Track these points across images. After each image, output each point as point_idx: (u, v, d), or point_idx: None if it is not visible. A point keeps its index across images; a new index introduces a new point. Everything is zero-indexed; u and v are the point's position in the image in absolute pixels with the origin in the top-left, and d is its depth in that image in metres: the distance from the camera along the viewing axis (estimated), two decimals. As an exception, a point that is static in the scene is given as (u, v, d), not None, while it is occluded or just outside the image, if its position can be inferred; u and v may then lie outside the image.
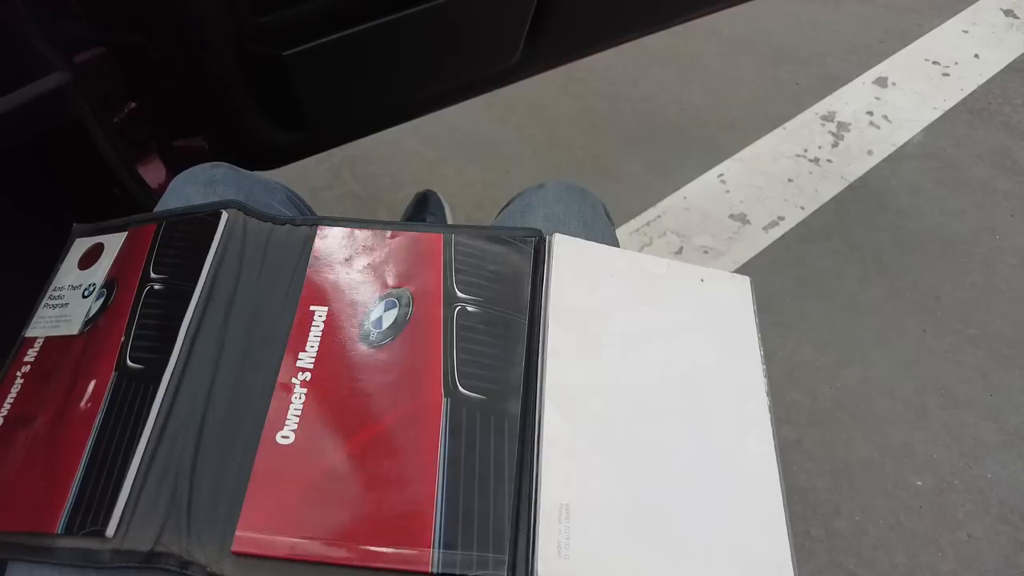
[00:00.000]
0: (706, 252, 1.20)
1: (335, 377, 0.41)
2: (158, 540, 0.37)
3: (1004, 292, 1.16)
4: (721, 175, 1.33)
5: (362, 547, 0.35)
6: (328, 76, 0.68)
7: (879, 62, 1.58)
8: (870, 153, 1.38)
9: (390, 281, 0.46)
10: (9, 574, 0.38)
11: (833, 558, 0.89)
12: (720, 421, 0.41)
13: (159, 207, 0.54)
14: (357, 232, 0.48)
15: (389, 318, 0.44)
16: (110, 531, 0.36)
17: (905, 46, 1.62)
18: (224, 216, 0.48)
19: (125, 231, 0.50)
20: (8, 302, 0.50)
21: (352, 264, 0.47)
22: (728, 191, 1.30)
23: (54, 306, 0.48)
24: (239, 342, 0.44)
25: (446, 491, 0.37)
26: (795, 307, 1.14)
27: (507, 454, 0.39)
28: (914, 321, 1.12)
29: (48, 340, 0.46)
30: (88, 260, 0.50)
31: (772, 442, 0.40)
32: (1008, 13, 1.71)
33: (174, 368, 0.42)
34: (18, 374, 0.45)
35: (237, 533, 0.36)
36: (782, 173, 1.34)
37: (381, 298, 0.45)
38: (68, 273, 0.50)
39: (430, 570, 0.35)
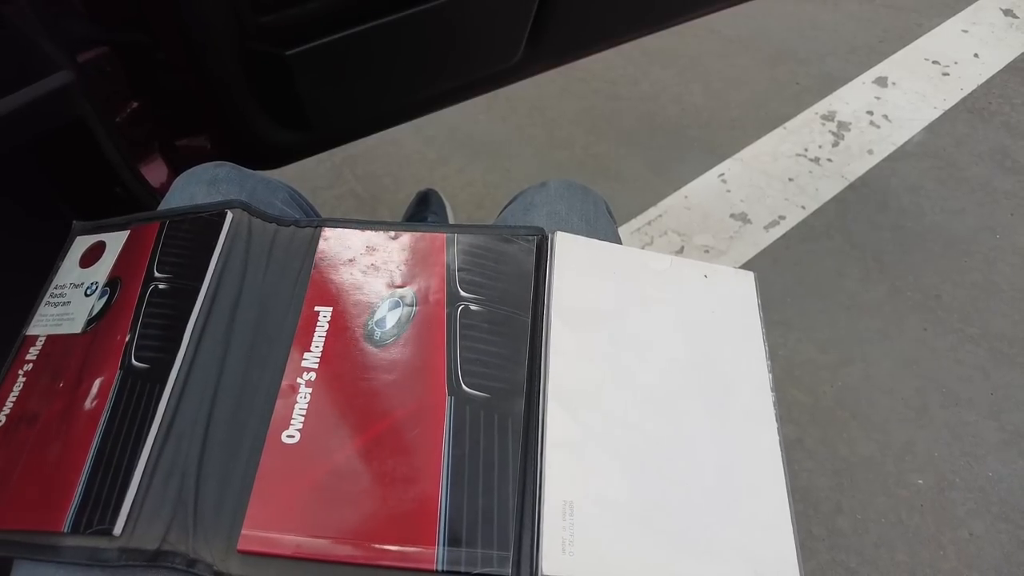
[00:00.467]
0: (707, 251, 1.20)
1: (340, 377, 0.42)
2: (164, 539, 0.37)
3: (1005, 291, 1.16)
4: (722, 174, 1.33)
5: (367, 545, 0.36)
6: (330, 76, 0.68)
7: (879, 62, 1.58)
8: (870, 152, 1.38)
9: (394, 281, 0.46)
10: (14, 573, 0.38)
11: (835, 556, 0.89)
12: (725, 417, 0.41)
13: (162, 206, 0.54)
14: (360, 233, 0.48)
15: (393, 318, 0.44)
16: (117, 530, 0.36)
17: (905, 46, 1.62)
18: (229, 216, 0.48)
19: (127, 230, 0.50)
20: (9, 300, 0.50)
21: (356, 265, 0.47)
22: (729, 190, 1.30)
23: (56, 304, 0.48)
24: (245, 342, 0.44)
25: (450, 489, 0.37)
26: (796, 306, 1.14)
27: (511, 451, 0.39)
28: (915, 320, 1.12)
29: (50, 338, 0.46)
30: (90, 258, 0.50)
31: (777, 438, 0.41)
32: (1007, 13, 1.71)
33: (180, 368, 0.42)
34: (20, 372, 0.45)
35: (243, 532, 0.36)
36: (783, 172, 1.34)
37: (385, 298, 0.45)
38: (69, 271, 0.50)
39: (435, 567, 0.35)
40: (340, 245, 0.48)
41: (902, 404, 1.03)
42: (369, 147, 1.34)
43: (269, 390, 0.41)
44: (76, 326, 0.46)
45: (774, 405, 0.42)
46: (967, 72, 1.55)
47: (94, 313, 0.46)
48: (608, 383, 0.42)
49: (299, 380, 0.41)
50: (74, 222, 0.53)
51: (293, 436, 0.39)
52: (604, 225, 0.54)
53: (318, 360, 0.42)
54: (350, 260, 0.47)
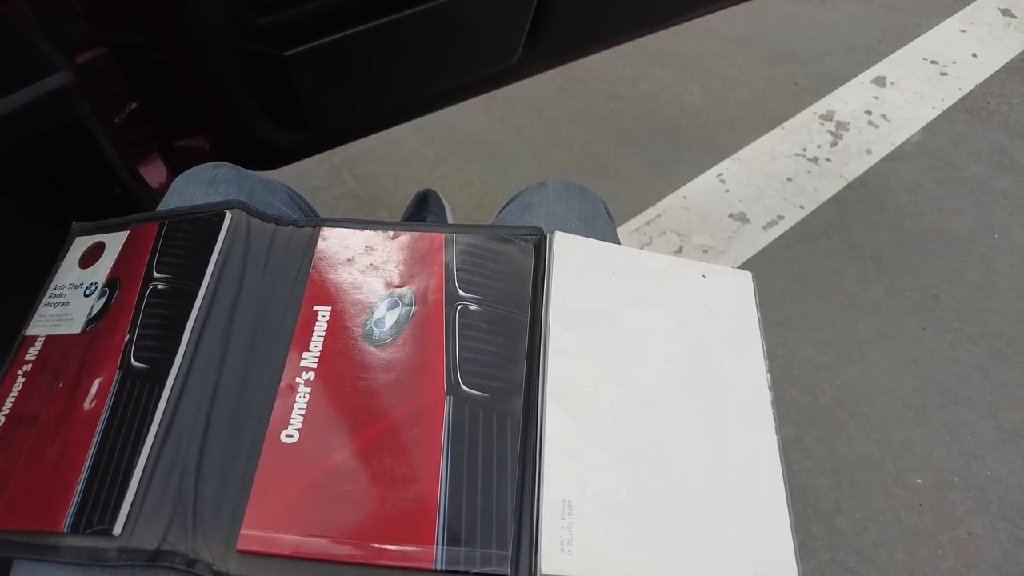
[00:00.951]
0: (706, 251, 1.20)
1: (339, 376, 0.42)
2: (164, 539, 0.37)
3: (1003, 290, 1.17)
4: (720, 174, 1.34)
5: (366, 544, 0.36)
6: (329, 76, 0.68)
7: (877, 61, 1.58)
8: (869, 152, 1.38)
9: (392, 281, 0.46)
10: (14, 573, 0.38)
11: (834, 556, 0.89)
12: (723, 416, 0.41)
13: (161, 207, 0.54)
14: (359, 233, 0.48)
15: (392, 317, 0.44)
16: (117, 529, 0.36)
17: (903, 46, 1.63)
18: (228, 216, 0.48)
19: (126, 230, 0.50)
20: (8, 301, 0.50)
21: (355, 264, 0.47)
22: (727, 190, 1.31)
23: (55, 305, 0.48)
24: (244, 342, 0.44)
25: (449, 488, 0.37)
26: (795, 306, 1.14)
27: (510, 451, 0.39)
28: (913, 319, 1.12)
29: (49, 338, 0.46)
30: (89, 259, 0.50)
31: (775, 437, 0.41)
32: (1006, 12, 1.71)
33: (179, 368, 0.42)
34: (19, 372, 0.45)
35: (242, 531, 0.36)
36: (781, 172, 1.34)
37: (384, 298, 0.45)
38: (69, 272, 0.50)
39: (434, 566, 0.35)
40: (339, 245, 0.48)
41: (901, 403, 1.03)
42: (368, 147, 1.34)
43: (268, 390, 0.41)
44: (75, 326, 0.46)
45: (772, 405, 0.42)
46: (965, 72, 1.56)
47: (93, 313, 0.46)
48: (606, 383, 0.42)
49: (298, 380, 0.41)
50: (73, 223, 0.53)
51: (292, 436, 0.39)
52: (603, 225, 0.54)
53: (317, 360, 0.42)
54: (349, 260, 0.47)
